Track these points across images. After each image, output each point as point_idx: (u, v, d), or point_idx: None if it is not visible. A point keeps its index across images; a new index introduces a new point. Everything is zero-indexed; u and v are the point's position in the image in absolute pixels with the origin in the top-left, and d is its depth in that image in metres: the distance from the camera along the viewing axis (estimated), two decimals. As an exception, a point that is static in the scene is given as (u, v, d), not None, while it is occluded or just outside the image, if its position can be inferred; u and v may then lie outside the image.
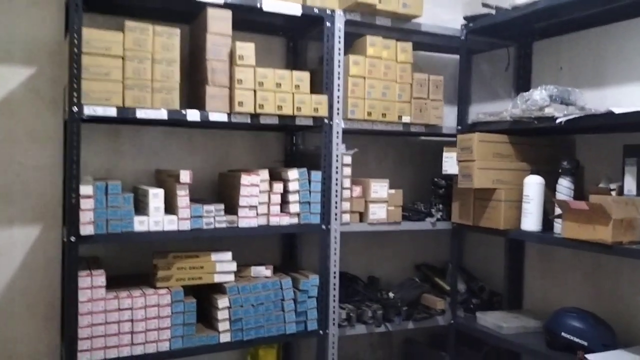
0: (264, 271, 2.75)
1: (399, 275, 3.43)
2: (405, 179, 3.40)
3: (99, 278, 2.35)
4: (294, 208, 2.70)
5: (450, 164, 2.86)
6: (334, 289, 2.78)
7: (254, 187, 2.61)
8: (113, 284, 2.55)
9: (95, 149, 2.76)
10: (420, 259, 3.54)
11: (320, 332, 2.78)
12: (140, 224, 2.41)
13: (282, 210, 2.71)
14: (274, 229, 2.69)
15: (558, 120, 2.37)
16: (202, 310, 2.69)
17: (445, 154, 2.91)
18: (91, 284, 2.33)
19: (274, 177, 2.72)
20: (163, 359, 2.48)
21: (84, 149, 2.72)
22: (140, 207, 2.53)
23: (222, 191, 2.86)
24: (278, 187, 2.68)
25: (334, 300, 2.79)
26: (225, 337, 2.58)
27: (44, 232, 2.67)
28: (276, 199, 2.67)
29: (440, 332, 3.25)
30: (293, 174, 2.69)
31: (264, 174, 2.66)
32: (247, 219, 2.61)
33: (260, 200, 2.63)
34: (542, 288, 3.05)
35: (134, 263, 2.80)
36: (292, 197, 2.70)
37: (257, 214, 2.63)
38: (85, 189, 2.30)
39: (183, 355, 2.52)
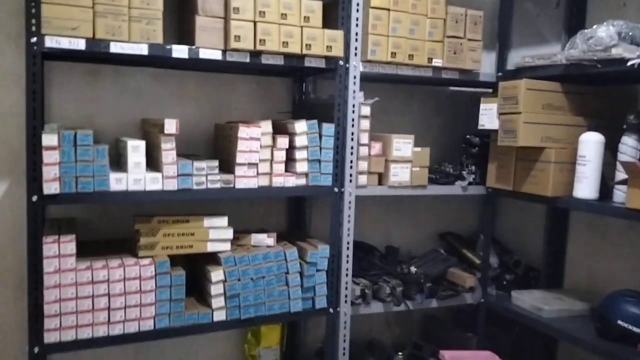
0: (266, 239, 2.36)
1: (420, 246, 3.03)
2: (430, 136, 2.95)
3: (68, 245, 1.97)
4: (301, 167, 2.29)
5: (488, 117, 2.41)
6: (347, 261, 2.39)
7: (254, 141, 2.19)
8: (91, 251, 2.20)
9: (69, 95, 2.35)
10: (444, 227, 3.12)
11: (330, 310, 2.41)
12: (118, 182, 2.02)
13: (287, 170, 2.29)
14: (277, 191, 2.28)
15: (631, 63, 1.91)
16: (194, 284, 2.33)
17: (483, 106, 2.45)
18: (58, 252, 1.96)
19: (279, 130, 2.30)
20: (146, 340, 2.13)
21: (57, 94, 2.33)
22: (122, 162, 2.14)
23: (218, 146, 2.45)
24: (283, 141, 2.26)
25: (347, 275, 2.40)
26: (219, 315, 2.22)
27: (11, 189, 2.29)
28: (280, 155, 2.26)
29: (465, 308, 2.87)
30: (301, 126, 2.27)
31: (267, 125, 2.23)
32: (245, 179, 2.20)
33: (261, 157, 2.22)
34: (587, 265, 2.63)
35: (119, 226, 2.43)
36: (299, 154, 2.28)
37: (258, 173, 2.22)
38: (49, 139, 1.90)
39: (170, 335, 2.16)
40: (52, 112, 2.33)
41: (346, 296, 2.40)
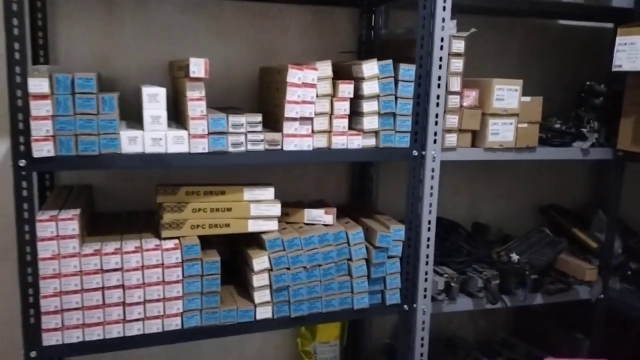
0: (323, 216, 1.84)
1: (514, 222, 2.44)
2: (534, 84, 2.31)
3: (69, 224, 1.52)
4: (370, 123, 1.73)
5: (628, 54, 1.75)
6: (428, 245, 1.84)
7: (308, 88, 1.65)
8: (107, 226, 1.78)
9: (80, 33, 1.87)
10: (544, 199, 2.51)
11: (405, 307, 1.88)
12: (131, 142, 1.54)
13: (351, 127, 1.75)
14: (338, 155, 1.74)
15: None
16: (233, 272, 1.86)
17: (620, 39, 1.79)
18: (56, 233, 1.52)
19: (341, 74, 1.75)
20: (172, 342, 1.68)
21: (65, 32, 1.86)
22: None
23: (263, 97, 1.93)
24: (346, 89, 1.70)
25: (427, 263, 1.86)
26: (264, 312, 1.74)
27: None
28: (343, 108, 1.71)
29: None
30: (370, 68, 1.70)
31: (325, 68, 1.68)
32: (296, 139, 1.67)
33: (318, 110, 1.68)
34: None
35: (145, 196, 1.98)
36: (367, 106, 1.72)
37: (313, 130, 1.69)
38: (37, 85, 1.43)
39: (202, 336, 1.71)
40: (58, 52, 1.86)
41: (425, 290, 1.87)
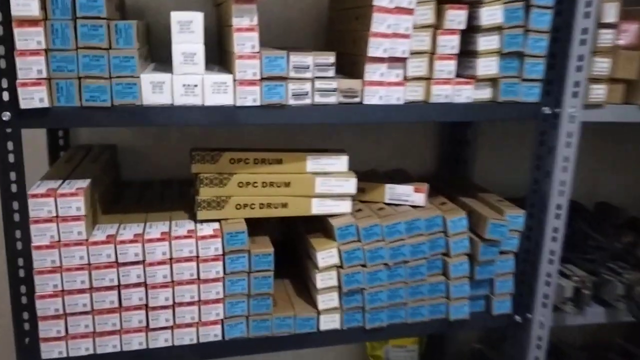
0: (412, 195, 1.38)
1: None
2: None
3: (72, 201, 1.11)
4: (486, 67, 1.23)
5: None
6: (554, 238, 1.35)
7: (403, 14, 1.16)
8: (131, 200, 1.39)
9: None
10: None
11: (517, 318, 1.41)
12: (155, 89, 1.10)
13: (460, 74, 1.25)
14: (441, 112, 1.25)
15: None
16: (290, 266, 1.43)
17: None
18: (55, 213, 1.12)
19: (446, -4, 1.24)
20: (210, 358, 1.27)
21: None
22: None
23: (336, 31, 1.45)
24: (457, 17, 1.20)
25: (551, 261, 1.37)
26: (329, 322, 1.31)
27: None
28: (450, 44, 1.21)
29: None
30: (490, -12, 1.19)
31: (426, -13, 1.18)
32: (382, 88, 1.19)
33: (414, 47, 1.19)
34: None
35: (187, 159, 1.56)
36: (484, 42, 1.22)
37: (406, 77, 1.21)
38: (23, 4, 1.00)
39: (250, 350, 1.29)
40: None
41: (546, 297, 1.38)
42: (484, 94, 1.26)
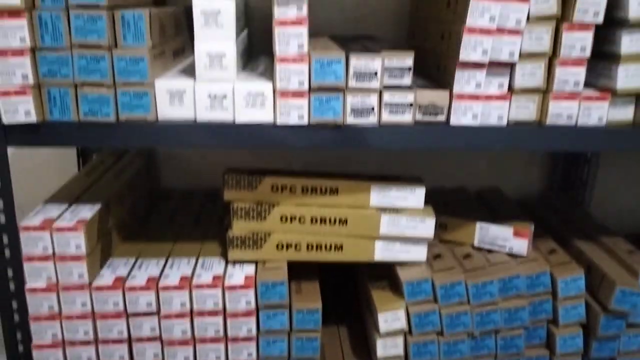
0: (511, 240, 1.04)
1: None
2: None
3: (71, 237, 0.89)
4: (630, 76, 0.86)
5: None
6: None
7: (510, 0, 0.81)
8: (162, 221, 1.16)
9: None
10: None
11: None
12: (173, 100, 0.84)
13: (590, 84, 0.89)
14: (565, 139, 0.89)
15: None
16: (343, 325, 1.16)
17: None
18: (52, 250, 0.90)
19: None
20: None
21: None
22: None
23: (420, 19, 1.12)
24: (591, 6, 0.83)
25: (703, 342, 0.99)
26: (391, 397, 1.02)
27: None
28: (579, 44, 0.85)
29: None
30: (648, -38, 0.81)
31: (550, -40, 0.82)
32: (477, 103, 0.86)
33: (527, 47, 0.84)
34: None
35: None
36: (628, 42, 0.85)
37: (512, 88, 0.87)
38: (-1, -9, 0.77)
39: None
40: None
41: (691, 388, 1.01)
42: (624, 114, 0.89)
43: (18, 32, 0.79)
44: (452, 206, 1.14)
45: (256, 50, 1.15)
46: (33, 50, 0.80)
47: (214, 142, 0.86)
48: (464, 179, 1.32)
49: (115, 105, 0.83)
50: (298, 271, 1.01)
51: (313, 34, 0.85)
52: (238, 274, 0.96)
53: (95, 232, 0.94)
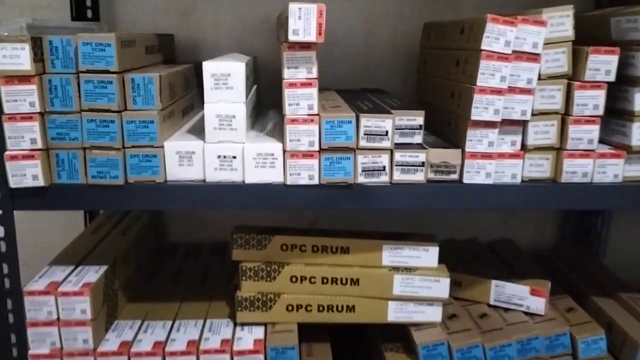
0: (528, 299, 1.01)
1: None
2: None
3: (77, 302, 0.87)
4: (647, 133, 0.85)
5: None
6: None
7: (522, 62, 0.81)
8: (169, 278, 1.14)
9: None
10: None
11: None
12: (183, 162, 0.83)
13: (605, 141, 0.88)
14: (580, 196, 0.87)
15: None
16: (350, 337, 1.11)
17: None
18: (56, 315, 0.88)
19: (588, 32, 0.87)
20: None
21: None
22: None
23: (428, 77, 1.11)
24: (604, 64, 0.82)
25: None
26: None
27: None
28: (592, 102, 0.83)
29: None
30: (658, 20, 0.81)
31: (561, 19, 0.82)
32: (490, 162, 0.85)
33: (539, 105, 0.84)
34: None
35: (238, 220, 1.29)
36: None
37: (526, 146, 0.85)
38: (10, 55, 0.77)
39: None
40: (116, 5, 1.21)
41: None
42: (637, 170, 0.87)
43: (28, 97, 0.79)
44: (464, 261, 1.12)
45: (264, 102, 1.15)
46: (42, 114, 0.80)
47: (223, 204, 0.85)
48: (475, 230, 1.30)
49: (124, 167, 0.82)
50: (308, 332, 0.98)
51: (321, 88, 0.84)
52: (247, 338, 0.93)
53: (101, 295, 0.92)
